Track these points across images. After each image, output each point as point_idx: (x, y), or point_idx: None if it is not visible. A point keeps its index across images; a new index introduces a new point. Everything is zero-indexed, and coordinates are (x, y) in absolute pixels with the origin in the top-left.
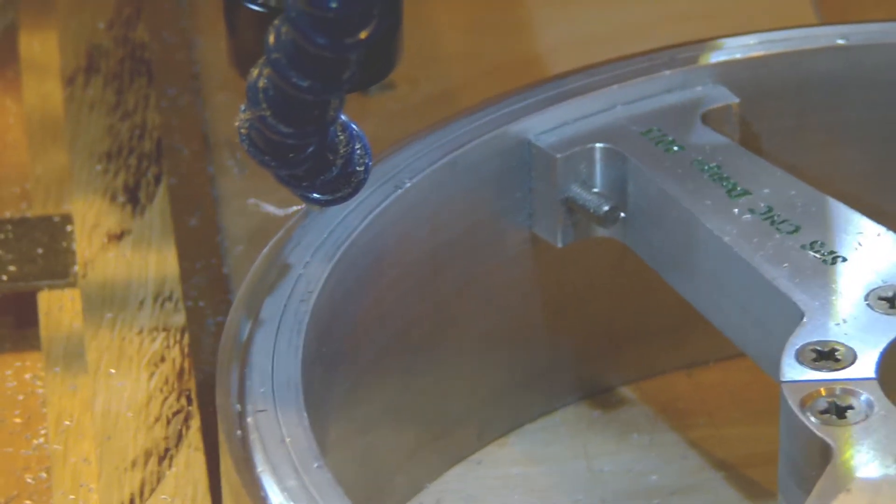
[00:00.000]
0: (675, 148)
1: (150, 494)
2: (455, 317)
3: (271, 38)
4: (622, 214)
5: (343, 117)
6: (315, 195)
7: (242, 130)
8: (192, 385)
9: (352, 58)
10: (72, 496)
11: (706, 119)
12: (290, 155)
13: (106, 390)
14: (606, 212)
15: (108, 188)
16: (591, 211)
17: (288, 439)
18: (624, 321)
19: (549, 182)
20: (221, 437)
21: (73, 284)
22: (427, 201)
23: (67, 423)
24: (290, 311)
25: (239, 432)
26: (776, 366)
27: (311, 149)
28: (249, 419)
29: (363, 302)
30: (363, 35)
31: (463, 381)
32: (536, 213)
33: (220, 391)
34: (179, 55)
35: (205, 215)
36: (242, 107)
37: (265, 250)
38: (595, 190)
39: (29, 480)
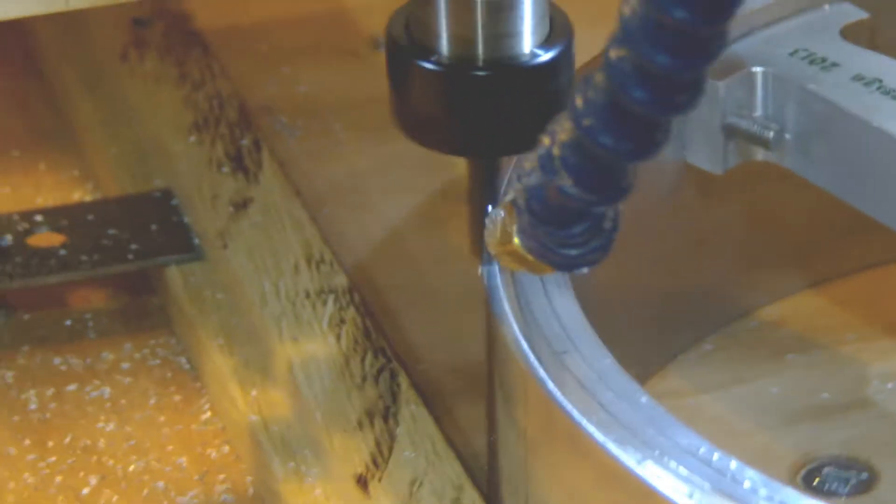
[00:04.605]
0: (830, 65)
1: (390, 454)
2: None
3: (578, 102)
4: (787, 136)
5: None
6: (575, 255)
7: (520, 202)
8: (383, 342)
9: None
10: (290, 463)
11: (844, 35)
12: (575, 221)
13: (299, 356)
14: (773, 135)
15: (210, 159)
16: (757, 135)
17: (602, 378)
18: (757, 246)
19: (710, 110)
20: (525, 387)
21: (200, 257)
22: None
23: (254, 392)
24: None
25: (546, 378)
26: None
27: (594, 214)
28: (552, 363)
29: None
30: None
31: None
32: (692, 142)
33: (509, 339)
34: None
35: None
36: (517, 176)
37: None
38: (756, 114)
39: (213, 455)
